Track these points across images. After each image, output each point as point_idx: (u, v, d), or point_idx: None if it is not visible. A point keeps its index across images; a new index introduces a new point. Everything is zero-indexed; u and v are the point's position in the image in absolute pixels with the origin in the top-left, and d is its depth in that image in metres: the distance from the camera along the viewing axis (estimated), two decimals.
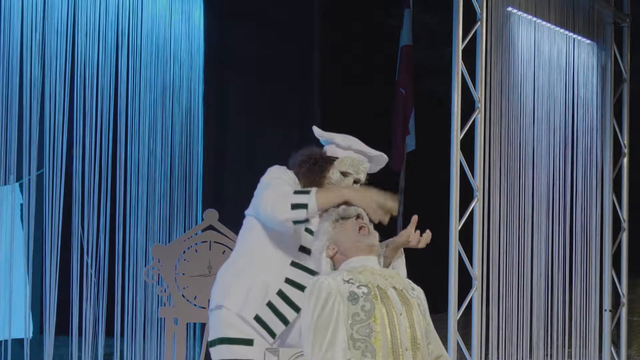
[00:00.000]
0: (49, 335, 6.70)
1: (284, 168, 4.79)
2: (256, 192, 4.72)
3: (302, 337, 4.13)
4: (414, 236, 4.58)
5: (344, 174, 4.70)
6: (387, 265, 4.58)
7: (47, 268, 6.73)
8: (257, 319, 4.57)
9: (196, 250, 6.42)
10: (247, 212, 4.78)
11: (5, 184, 6.68)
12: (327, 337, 4.01)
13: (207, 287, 6.35)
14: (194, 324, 7.30)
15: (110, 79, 7.11)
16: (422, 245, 4.62)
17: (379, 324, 4.05)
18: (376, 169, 4.88)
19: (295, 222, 4.42)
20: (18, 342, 6.75)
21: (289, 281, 4.61)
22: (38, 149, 6.74)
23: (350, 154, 4.74)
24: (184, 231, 7.32)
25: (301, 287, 4.53)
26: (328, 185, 4.66)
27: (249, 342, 4.55)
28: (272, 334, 4.55)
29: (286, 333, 4.63)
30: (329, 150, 4.78)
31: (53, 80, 6.82)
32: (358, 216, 4.33)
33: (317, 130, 4.82)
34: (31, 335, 6.93)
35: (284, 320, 4.56)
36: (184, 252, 6.42)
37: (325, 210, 4.41)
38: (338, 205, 4.38)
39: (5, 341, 6.66)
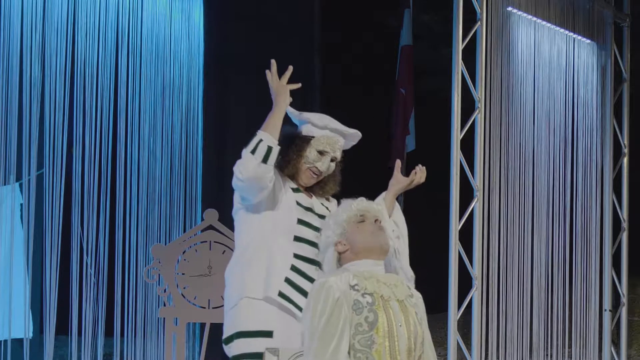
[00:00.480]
0: (48, 335, 6.69)
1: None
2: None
3: (304, 338, 4.12)
4: (416, 176, 4.81)
5: (321, 153, 4.78)
6: (389, 213, 4.68)
7: (47, 268, 6.73)
8: (281, 295, 4.56)
9: (196, 250, 6.42)
10: (233, 212, 4.80)
11: (5, 184, 6.68)
12: (332, 345, 4.01)
13: (207, 287, 6.35)
14: (194, 324, 7.30)
15: (110, 79, 7.10)
16: (423, 179, 4.85)
17: (380, 336, 4.05)
18: (349, 145, 4.94)
19: (265, 160, 4.54)
20: (18, 342, 6.74)
21: (297, 256, 4.63)
22: (38, 149, 6.74)
23: (327, 132, 4.83)
24: (184, 231, 7.32)
25: (309, 261, 4.60)
26: (305, 165, 4.75)
27: (268, 334, 4.54)
28: (299, 307, 4.55)
29: None
30: (305, 130, 4.86)
31: (53, 79, 6.82)
32: (376, 220, 4.31)
33: (292, 111, 4.90)
34: (31, 335, 6.92)
35: (304, 293, 4.55)
36: (184, 252, 6.42)
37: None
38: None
39: (5, 341, 6.65)
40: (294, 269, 4.61)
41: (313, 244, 4.61)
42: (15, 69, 6.65)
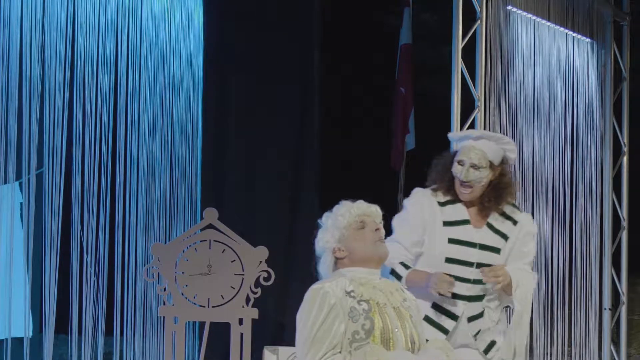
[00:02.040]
0: (48, 334, 6.69)
1: (423, 192, 4.92)
2: (396, 217, 4.94)
3: (297, 342, 4.11)
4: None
5: (460, 163, 4.80)
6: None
7: (47, 267, 6.73)
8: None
9: (196, 249, 6.41)
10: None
11: (5, 183, 6.68)
12: (324, 351, 4.00)
13: (207, 285, 6.35)
14: (194, 322, 7.29)
15: (110, 78, 7.10)
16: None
17: (377, 343, 4.04)
18: (511, 156, 4.93)
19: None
20: (18, 341, 6.74)
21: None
22: (38, 148, 6.74)
23: (468, 142, 4.83)
24: (184, 230, 7.32)
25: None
26: (456, 180, 4.82)
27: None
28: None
29: None
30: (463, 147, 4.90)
31: (53, 78, 6.82)
32: (377, 229, 4.25)
33: (452, 135, 4.96)
34: (31, 334, 6.93)
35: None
36: (184, 250, 6.42)
37: None
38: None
39: (5, 340, 6.66)
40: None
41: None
42: (14, 68, 6.65)
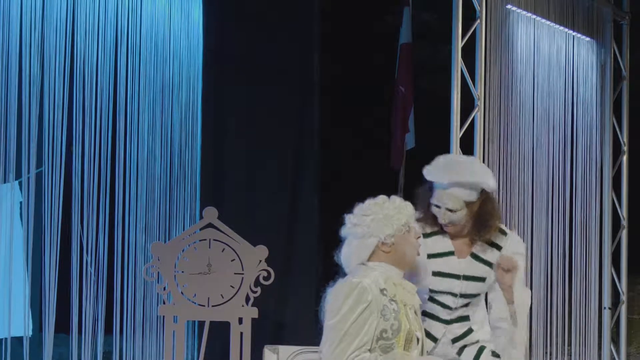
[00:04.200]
0: (48, 333, 6.69)
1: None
2: None
3: (325, 332, 4.08)
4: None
5: (437, 206, 4.76)
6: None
7: (47, 266, 6.72)
8: None
9: (195, 248, 6.42)
10: None
11: (4, 182, 6.68)
12: (354, 345, 4.00)
13: (207, 284, 6.36)
14: (194, 321, 7.30)
15: (110, 77, 7.10)
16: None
17: (400, 345, 4.06)
18: (490, 183, 4.91)
19: None
20: (17, 340, 6.74)
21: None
22: (37, 147, 6.74)
23: (440, 190, 4.79)
24: (183, 229, 7.32)
25: None
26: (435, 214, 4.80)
27: None
28: None
29: None
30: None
31: (52, 78, 6.82)
32: (418, 237, 4.30)
33: (425, 173, 4.93)
34: (30, 333, 6.93)
35: None
36: (184, 250, 6.43)
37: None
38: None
39: (5, 339, 6.66)
40: None
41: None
42: (14, 67, 6.65)
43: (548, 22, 8.18)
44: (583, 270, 8.53)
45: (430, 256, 4.78)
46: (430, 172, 4.81)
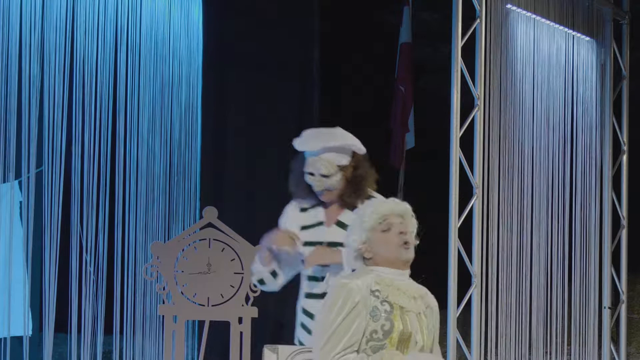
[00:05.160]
0: (48, 332, 6.69)
1: (290, 203, 5.05)
2: None
3: (315, 332, 4.11)
4: None
5: (310, 174, 4.84)
6: None
7: (46, 266, 6.73)
8: None
9: (195, 248, 6.41)
10: None
11: (4, 182, 6.67)
12: (341, 346, 4.00)
13: (207, 284, 6.35)
14: (193, 321, 7.29)
15: (110, 76, 7.10)
16: None
17: (392, 345, 4.05)
18: (360, 146, 4.95)
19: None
20: (17, 340, 6.74)
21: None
22: (37, 147, 6.73)
23: (311, 156, 4.89)
24: (183, 229, 7.32)
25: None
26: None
27: None
28: None
29: None
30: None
31: (52, 77, 6.82)
32: (402, 232, 4.21)
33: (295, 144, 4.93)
34: (30, 332, 6.92)
35: None
36: (183, 249, 6.42)
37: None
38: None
39: (5, 339, 6.65)
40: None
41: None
42: (14, 67, 6.66)
43: (548, 22, 8.18)
44: (583, 270, 8.53)
45: (302, 228, 4.93)
46: (300, 142, 4.89)
